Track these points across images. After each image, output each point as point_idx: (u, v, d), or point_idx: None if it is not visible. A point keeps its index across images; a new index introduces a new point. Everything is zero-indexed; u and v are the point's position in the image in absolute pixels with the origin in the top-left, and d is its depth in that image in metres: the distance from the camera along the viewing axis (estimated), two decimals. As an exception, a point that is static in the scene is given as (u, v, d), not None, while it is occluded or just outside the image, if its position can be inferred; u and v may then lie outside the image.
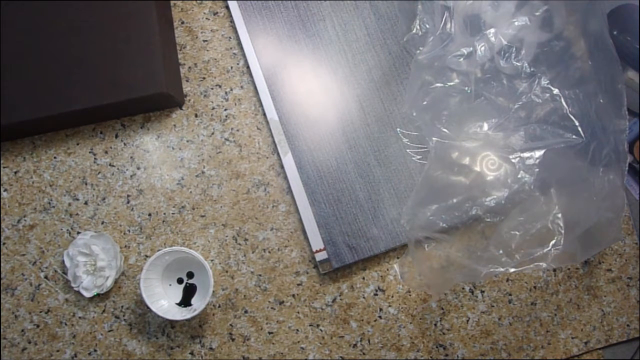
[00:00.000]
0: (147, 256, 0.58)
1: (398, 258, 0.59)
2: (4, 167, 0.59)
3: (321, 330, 0.58)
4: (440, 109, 0.55)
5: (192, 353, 0.57)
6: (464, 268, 0.52)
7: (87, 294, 0.56)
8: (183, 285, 0.58)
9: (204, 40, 0.62)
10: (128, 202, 0.59)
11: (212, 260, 0.58)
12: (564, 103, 0.54)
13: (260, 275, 0.58)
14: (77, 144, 0.60)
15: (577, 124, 0.53)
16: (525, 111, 0.54)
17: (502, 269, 0.50)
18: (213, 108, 0.61)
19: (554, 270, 0.60)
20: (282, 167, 0.60)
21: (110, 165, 0.59)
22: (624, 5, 0.61)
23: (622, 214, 0.53)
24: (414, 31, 0.58)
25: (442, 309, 0.59)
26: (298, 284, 0.59)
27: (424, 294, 0.59)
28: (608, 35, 0.54)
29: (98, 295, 0.57)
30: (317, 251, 0.58)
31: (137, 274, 0.58)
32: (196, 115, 0.60)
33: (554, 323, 0.60)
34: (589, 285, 0.61)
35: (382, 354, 0.58)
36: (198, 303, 0.56)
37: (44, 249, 0.58)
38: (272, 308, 0.58)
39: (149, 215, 0.59)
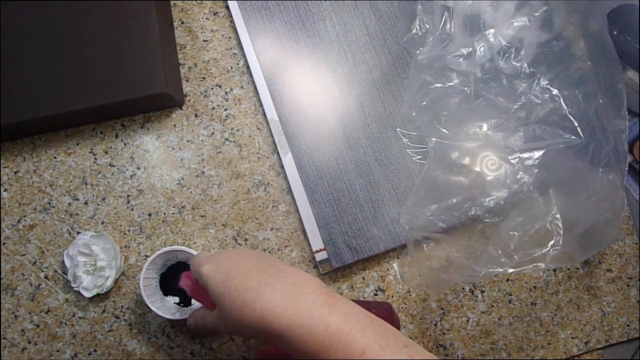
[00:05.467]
0: (147, 256, 0.58)
1: (398, 258, 0.59)
2: (4, 167, 0.59)
3: (321, 330, 0.58)
4: (440, 109, 0.55)
5: (192, 353, 0.57)
6: (463, 268, 0.52)
7: (87, 294, 0.56)
8: (183, 285, 0.58)
9: (204, 40, 0.62)
10: (128, 202, 0.59)
11: (212, 260, 0.58)
12: (563, 103, 0.54)
13: (260, 275, 0.58)
14: (77, 144, 0.60)
15: (576, 124, 0.53)
16: (524, 111, 0.54)
17: (500, 270, 0.50)
18: (213, 108, 0.61)
19: (554, 270, 0.60)
20: (282, 167, 0.60)
21: (110, 165, 0.59)
22: (624, 5, 0.61)
23: (621, 214, 0.53)
24: (414, 31, 0.58)
25: (442, 309, 0.59)
26: (298, 284, 0.58)
27: (424, 294, 0.59)
28: (608, 35, 0.54)
29: (98, 295, 0.57)
30: (317, 251, 0.58)
31: (137, 274, 0.58)
32: (196, 115, 0.60)
33: (554, 323, 0.60)
34: (589, 285, 0.61)
35: (382, 354, 0.58)
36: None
37: (44, 249, 0.58)
38: (271, 308, 0.58)
39: (149, 215, 0.59)
